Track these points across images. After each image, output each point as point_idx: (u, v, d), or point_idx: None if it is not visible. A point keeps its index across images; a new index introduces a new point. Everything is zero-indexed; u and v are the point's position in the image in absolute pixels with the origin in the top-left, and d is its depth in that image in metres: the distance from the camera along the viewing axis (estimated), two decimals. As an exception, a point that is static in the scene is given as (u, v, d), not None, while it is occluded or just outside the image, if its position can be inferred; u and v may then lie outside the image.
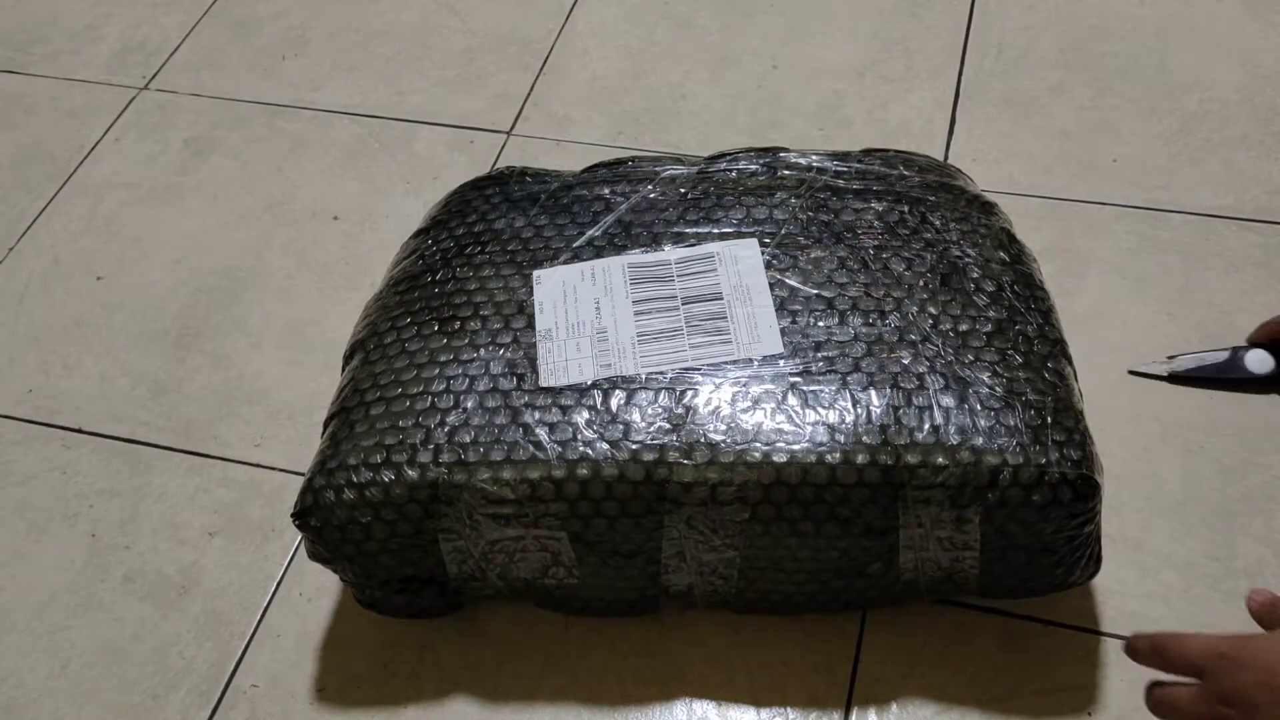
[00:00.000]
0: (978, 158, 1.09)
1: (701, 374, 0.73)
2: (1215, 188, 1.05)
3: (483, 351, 0.75)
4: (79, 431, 0.97)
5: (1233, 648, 0.59)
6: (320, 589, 0.86)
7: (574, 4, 1.29)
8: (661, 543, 0.73)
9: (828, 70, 1.19)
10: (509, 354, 0.75)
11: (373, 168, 1.15)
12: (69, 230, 1.13)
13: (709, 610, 0.80)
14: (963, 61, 1.18)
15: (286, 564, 0.87)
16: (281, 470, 0.93)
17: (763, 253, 0.79)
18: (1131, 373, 0.92)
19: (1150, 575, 0.82)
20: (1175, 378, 0.91)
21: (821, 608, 0.78)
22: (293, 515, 0.74)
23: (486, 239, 0.83)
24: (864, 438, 0.70)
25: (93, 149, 1.20)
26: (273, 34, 1.30)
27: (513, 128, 1.17)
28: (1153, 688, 0.63)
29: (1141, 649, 0.64)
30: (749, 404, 0.71)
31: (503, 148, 1.15)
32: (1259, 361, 0.89)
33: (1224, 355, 0.90)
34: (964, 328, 0.74)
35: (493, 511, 0.71)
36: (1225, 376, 0.90)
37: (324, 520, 0.73)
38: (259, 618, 0.85)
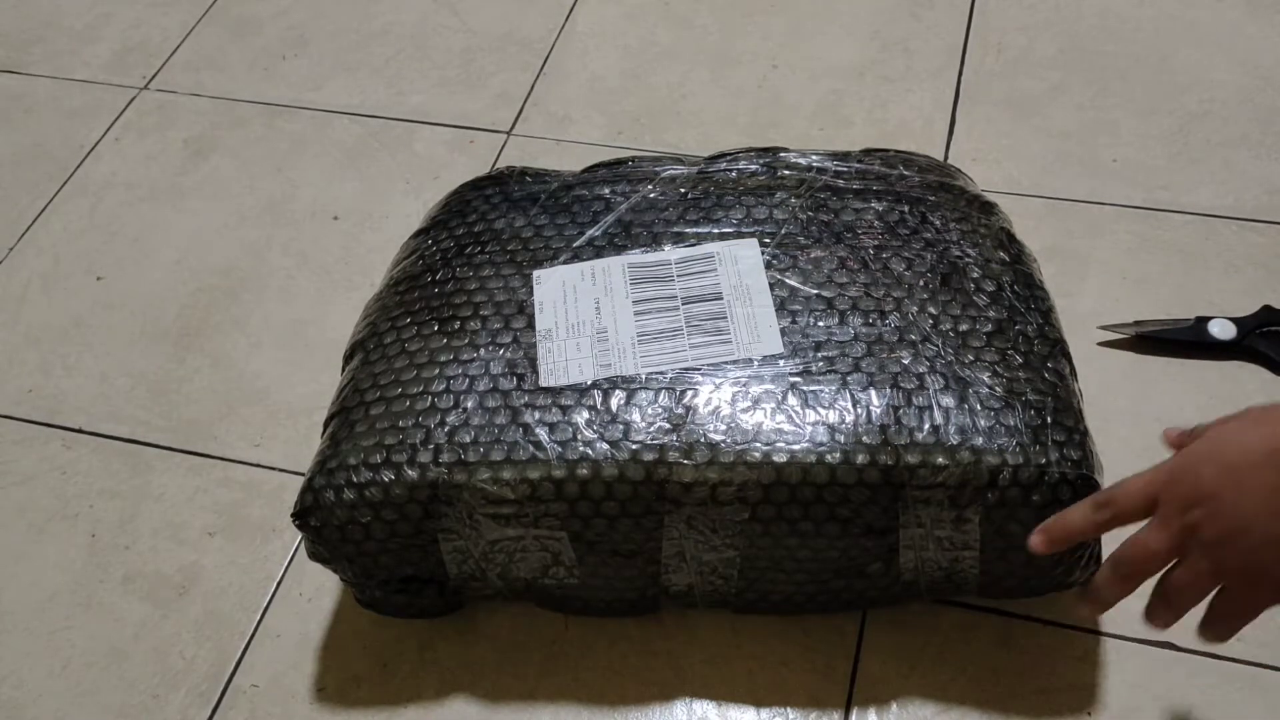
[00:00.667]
0: (978, 158, 1.09)
1: (701, 374, 0.73)
2: (1215, 188, 1.05)
3: (483, 351, 0.75)
4: (79, 431, 0.97)
5: (1177, 462, 0.61)
6: (320, 589, 0.86)
7: (574, 4, 1.29)
8: (661, 543, 0.73)
9: (828, 70, 1.19)
10: (509, 354, 0.75)
11: (373, 168, 1.15)
12: (69, 230, 1.13)
13: (709, 610, 0.80)
14: (963, 61, 1.18)
15: (286, 564, 0.87)
16: (281, 470, 0.93)
17: (763, 253, 0.79)
18: (1101, 327, 0.94)
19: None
20: (1142, 338, 0.94)
21: (821, 608, 0.78)
22: (293, 515, 0.74)
23: (486, 239, 0.83)
24: (864, 438, 0.70)
25: (93, 149, 1.20)
26: (273, 34, 1.30)
27: (513, 128, 1.17)
28: (1100, 581, 0.64)
29: (1080, 519, 0.63)
30: (749, 404, 0.71)
31: (503, 148, 1.15)
32: (1222, 329, 0.92)
33: (1189, 321, 0.93)
34: (964, 328, 0.74)
35: (493, 511, 0.71)
36: (1190, 340, 0.93)
37: (324, 520, 0.73)
38: (259, 618, 0.85)
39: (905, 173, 0.85)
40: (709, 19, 1.26)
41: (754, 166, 0.85)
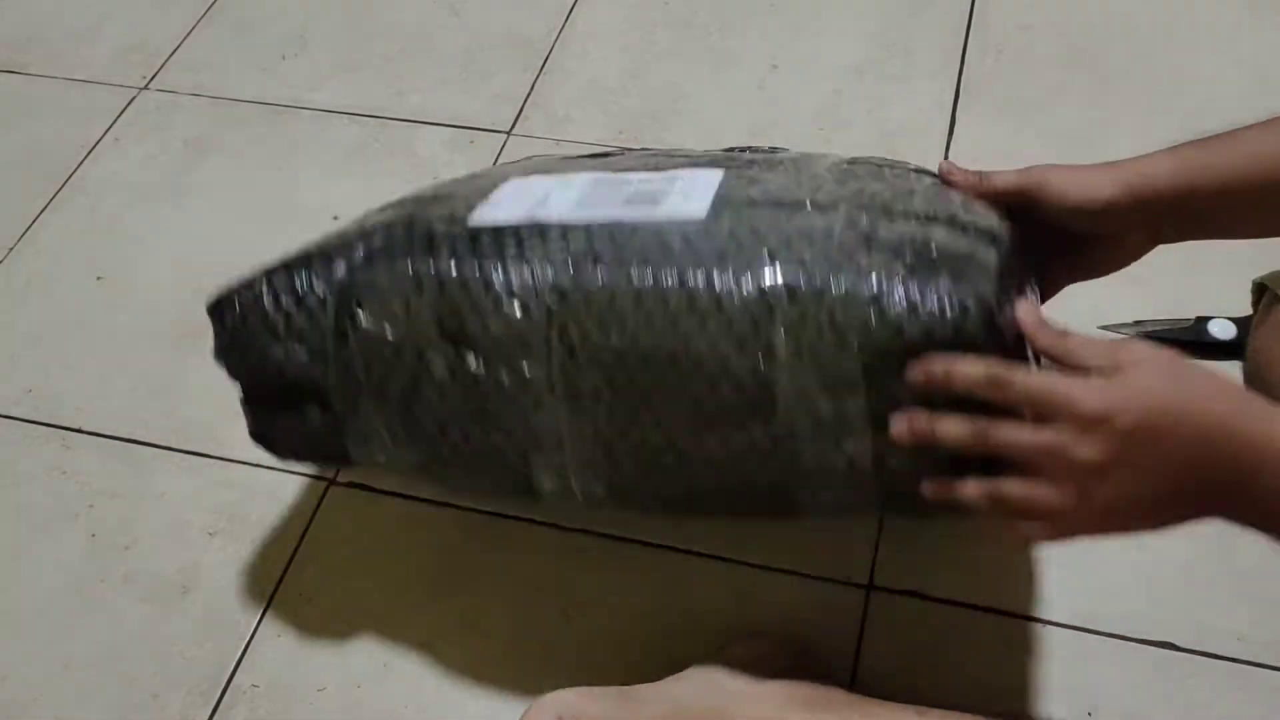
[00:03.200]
0: (978, 158, 1.09)
1: (621, 224, 0.70)
2: (1215, 188, 1.05)
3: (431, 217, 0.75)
4: (79, 431, 0.97)
5: (1146, 402, 0.57)
6: (320, 588, 0.86)
7: (574, 4, 1.29)
8: (550, 386, 0.70)
9: (828, 70, 1.19)
10: (453, 213, 0.74)
11: (373, 168, 1.15)
12: (69, 230, 1.13)
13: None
14: (963, 61, 1.18)
15: (286, 564, 0.87)
16: (282, 470, 0.93)
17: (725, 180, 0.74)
18: (1101, 328, 0.94)
19: (1148, 575, 0.82)
20: (1142, 338, 0.92)
21: (743, 506, 0.74)
22: (207, 307, 0.77)
23: None
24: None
25: (93, 149, 1.20)
26: (273, 34, 1.30)
27: (513, 128, 1.17)
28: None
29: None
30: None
31: (503, 148, 1.15)
32: (1222, 329, 0.92)
33: (1189, 321, 0.94)
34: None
35: (388, 325, 0.72)
36: (1190, 340, 0.93)
37: (238, 314, 0.76)
38: (259, 618, 0.85)
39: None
40: (709, 19, 1.26)
41: (753, 166, 0.85)
